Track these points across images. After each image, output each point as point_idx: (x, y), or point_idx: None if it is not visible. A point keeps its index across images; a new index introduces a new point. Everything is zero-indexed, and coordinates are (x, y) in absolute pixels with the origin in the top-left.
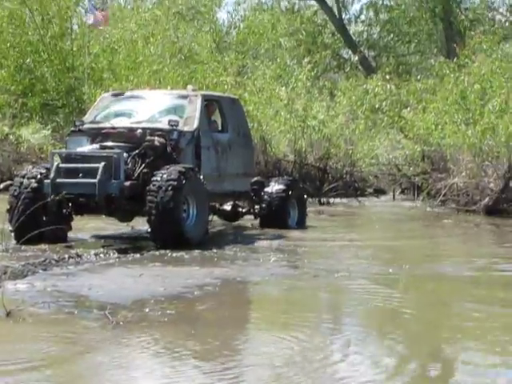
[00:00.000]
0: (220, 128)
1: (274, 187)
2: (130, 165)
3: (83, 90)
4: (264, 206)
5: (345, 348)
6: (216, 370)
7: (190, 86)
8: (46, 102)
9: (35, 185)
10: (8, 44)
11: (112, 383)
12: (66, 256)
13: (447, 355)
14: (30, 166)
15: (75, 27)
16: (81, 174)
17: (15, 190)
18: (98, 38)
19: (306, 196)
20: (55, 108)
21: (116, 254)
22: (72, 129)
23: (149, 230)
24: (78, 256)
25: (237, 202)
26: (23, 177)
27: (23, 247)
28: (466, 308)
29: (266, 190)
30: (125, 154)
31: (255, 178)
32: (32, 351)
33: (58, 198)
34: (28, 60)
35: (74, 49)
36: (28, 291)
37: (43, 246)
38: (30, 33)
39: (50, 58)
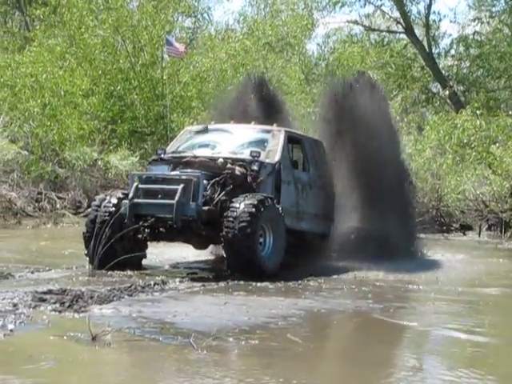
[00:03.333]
0: (301, 168)
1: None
2: (209, 191)
3: (172, 117)
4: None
5: None
6: None
7: (274, 125)
8: (134, 129)
9: (113, 209)
10: (100, 71)
11: None
12: (152, 282)
13: None
14: (109, 191)
15: (166, 56)
16: (159, 196)
17: (92, 214)
18: (188, 67)
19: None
20: (143, 135)
21: (201, 282)
22: (153, 157)
23: (224, 255)
24: (164, 283)
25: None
26: (101, 201)
27: (109, 272)
28: None
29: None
30: (205, 181)
31: None
32: (115, 376)
33: (136, 225)
34: (118, 87)
35: (164, 77)
36: (113, 316)
37: (129, 272)
38: (121, 60)
39: (140, 86)
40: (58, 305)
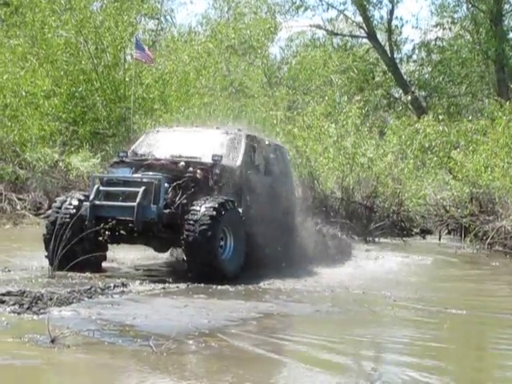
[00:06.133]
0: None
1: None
2: (170, 195)
3: (134, 119)
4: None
5: None
6: None
7: (237, 129)
8: (96, 130)
9: (73, 211)
10: (62, 72)
11: None
12: (112, 285)
13: None
14: (70, 193)
15: (128, 57)
16: (120, 198)
17: (53, 216)
18: (151, 69)
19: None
20: (105, 137)
21: (161, 285)
22: (115, 159)
23: (185, 258)
24: (124, 285)
25: None
26: (62, 203)
27: (69, 274)
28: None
29: None
30: (166, 184)
31: None
32: (73, 379)
33: (96, 227)
34: (80, 88)
35: (127, 79)
36: (73, 318)
37: (89, 274)
38: (83, 62)
39: (102, 87)
40: (16, 306)
